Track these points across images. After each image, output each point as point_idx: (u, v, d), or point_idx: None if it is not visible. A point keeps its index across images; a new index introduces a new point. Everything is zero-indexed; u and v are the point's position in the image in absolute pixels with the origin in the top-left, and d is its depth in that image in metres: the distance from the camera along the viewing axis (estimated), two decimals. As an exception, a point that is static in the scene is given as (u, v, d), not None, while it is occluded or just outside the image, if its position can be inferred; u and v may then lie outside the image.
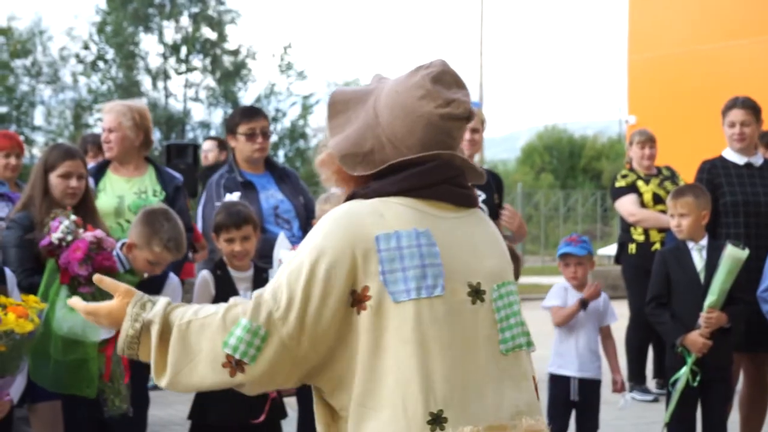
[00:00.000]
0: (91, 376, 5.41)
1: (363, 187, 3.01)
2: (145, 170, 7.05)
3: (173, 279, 5.99)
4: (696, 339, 6.39)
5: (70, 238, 5.46)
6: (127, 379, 5.58)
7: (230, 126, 7.12)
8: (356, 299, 2.86)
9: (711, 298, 6.38)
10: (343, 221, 2.91)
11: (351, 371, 2.87)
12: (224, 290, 5.66)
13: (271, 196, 6.94)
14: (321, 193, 7.02)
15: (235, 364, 2.88)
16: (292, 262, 2.90)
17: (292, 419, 6.21)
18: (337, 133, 3.05)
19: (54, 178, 5.81)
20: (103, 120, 7.04)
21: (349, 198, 3.01)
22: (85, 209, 5.85)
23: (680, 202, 6.65)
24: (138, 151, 7.01)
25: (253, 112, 7.22)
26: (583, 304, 6.74)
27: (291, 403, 6.12)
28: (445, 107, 2.98)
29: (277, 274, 2.93)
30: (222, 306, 2.96)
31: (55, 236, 5.46)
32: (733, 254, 6.32)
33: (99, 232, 5.55)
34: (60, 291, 5.42)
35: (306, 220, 6.79)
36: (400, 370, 2.81)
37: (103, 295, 5.31)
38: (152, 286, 5.54)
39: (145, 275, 5.75)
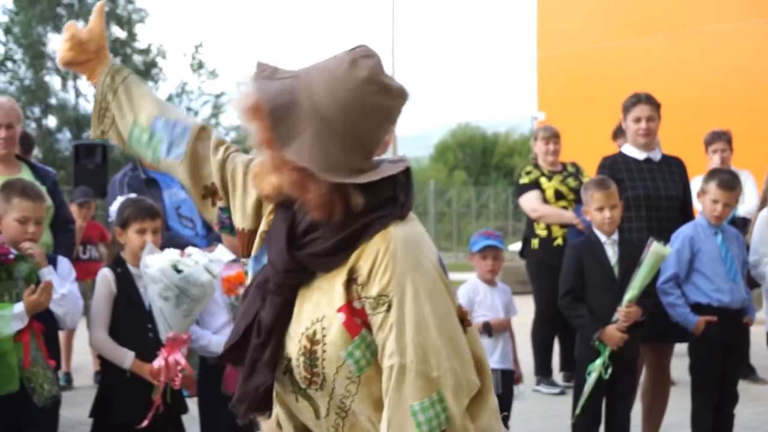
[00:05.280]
0: (11, 369, 5.27)
1: (385, 203, 2.71)
2: (20, 167, 7.01)
3: (63, 260, 5.81)
4: (614, 333, 6.48)
5: None
6: (54, 363, 5.51)
7: (132, 125, 7.10)
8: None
9: (632, 292, 6.46)
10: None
11: None
12: (125, 287, 5.62)
13: (174, 194, 6.92)
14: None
15: None
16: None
17: (195, 417, 6.17)
18: (289, 143, 2.63)
19: None
20: None
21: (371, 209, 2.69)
22: None
23: (611, 193, 6.72)
24: (14, 149, 7.02)
25: None
26: (488, 331, 6.78)
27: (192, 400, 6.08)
28: (400, 98, 2.69)
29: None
30: None
31: None
32: (657, 251, 6.39)
33: None
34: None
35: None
36: None
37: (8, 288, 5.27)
38: None
39: (34, 254, 5.51)
